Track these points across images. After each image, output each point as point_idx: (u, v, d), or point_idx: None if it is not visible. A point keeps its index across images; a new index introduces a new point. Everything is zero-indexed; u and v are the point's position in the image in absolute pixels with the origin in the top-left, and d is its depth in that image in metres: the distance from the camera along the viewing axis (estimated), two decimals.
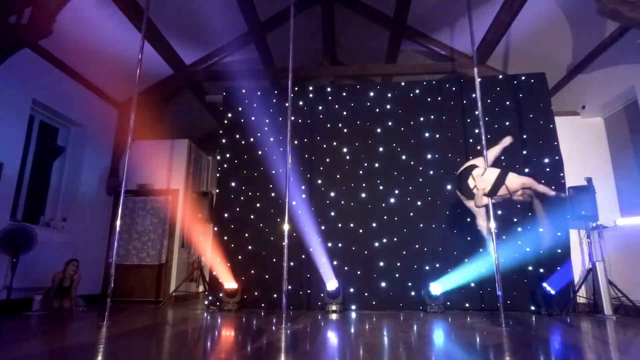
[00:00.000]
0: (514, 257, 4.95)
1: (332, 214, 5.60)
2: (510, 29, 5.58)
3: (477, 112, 4.28)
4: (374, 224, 5.49)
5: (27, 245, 4.73)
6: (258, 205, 5.70)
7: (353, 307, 5.27)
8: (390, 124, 5.83)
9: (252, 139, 5.95)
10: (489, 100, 5.59)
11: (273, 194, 5.68)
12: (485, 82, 5.65)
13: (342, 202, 5.63)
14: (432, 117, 5.80)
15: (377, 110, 5.91)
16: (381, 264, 5.36)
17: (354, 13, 6.89)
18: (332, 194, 5.67)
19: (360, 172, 5.71)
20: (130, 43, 5.55)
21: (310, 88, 6.19)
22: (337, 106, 5.99)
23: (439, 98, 5.86)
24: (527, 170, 5.35)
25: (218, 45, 6.90)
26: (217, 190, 5.87)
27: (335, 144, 5.85)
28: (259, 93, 6.20)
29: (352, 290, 5.29)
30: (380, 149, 5.75)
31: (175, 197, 6.82)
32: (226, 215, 5.70)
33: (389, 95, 5.97)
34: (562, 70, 5.69)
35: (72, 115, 5.94)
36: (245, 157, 5.89)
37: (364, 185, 5.65)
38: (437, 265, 5.25)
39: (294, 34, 4.49)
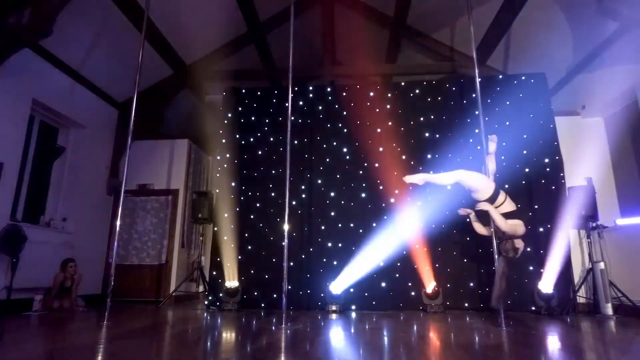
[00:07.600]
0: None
1: (332, 214, 5.59)
2: (510, 29, 5.58)
3: (477, 112, 4.28)
4: (374, 224, 5.49)
5: (17, 245, 4.65)
6: (258, 205, 5.70)
7: (353, 307, 5.27)
8: (390, 124, 5.83)
9: (252, 139, 5.95)
10: (489, 100, 5.58)
11: (273, 194, 5.68)
12: (485, 82, 5.64)
13: (342, 202, 5.63)
14: (432, 117, 5.80)
15: (377, 110, 5.91)
16: (381, 264, 5.36)
17: (354, 13, 6.88)
18: (332, 194, 5.67)
19: (360, 172, 5.70)
20: (130, 43, 5.55)
21: (310, 88, 6.18)
22: (337, 106, 5.98)
23: (439, 98, 5.86)
24: (527, 170, 5.36)
25: (218, 45, 6.90)
26: (217, 190, 5.87)
27: (335, 144, 5.85)
28: (259, 93, 6.20)
29: (352, 290, 5.28)
30: (380, 149, 5.75)
31: (175, 197, 6.81)
32: (226, 215, 5.69)
33: (389, 95, 5.97)
34: (562, 70, 5.69)
35: (72, 115, 5.93)
36: (245, 157, 5.89)
37: (364, 185, 5.65)
38: (437, 265, 5.25)
39: (294, 34, 4.49)
